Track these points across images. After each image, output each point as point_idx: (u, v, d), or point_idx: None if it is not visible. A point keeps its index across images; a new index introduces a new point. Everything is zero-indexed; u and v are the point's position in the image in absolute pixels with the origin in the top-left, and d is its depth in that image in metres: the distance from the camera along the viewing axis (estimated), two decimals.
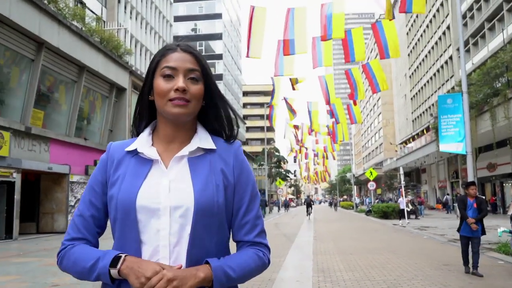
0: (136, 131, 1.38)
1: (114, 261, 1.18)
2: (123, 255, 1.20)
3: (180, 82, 1.24)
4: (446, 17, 43.58)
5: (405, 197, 25.20)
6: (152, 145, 1.31)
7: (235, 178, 1.32)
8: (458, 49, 36.97)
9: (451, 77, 42.19)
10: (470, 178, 13.28)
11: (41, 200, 18.64)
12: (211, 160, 1.31)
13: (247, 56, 14.17)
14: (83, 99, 21.05)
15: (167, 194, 1.22)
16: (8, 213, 15.43)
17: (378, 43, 14.82)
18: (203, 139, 1.33)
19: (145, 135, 1.33)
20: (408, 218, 24.20)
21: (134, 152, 1.31)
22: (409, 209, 25.13)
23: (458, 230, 7.99)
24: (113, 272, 1.18)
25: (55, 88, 19.31)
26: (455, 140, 14.17)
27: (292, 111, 27.49)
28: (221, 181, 1.28)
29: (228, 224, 1.33)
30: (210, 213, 1.23)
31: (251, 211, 1.34)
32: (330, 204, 69.67)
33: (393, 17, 12.51)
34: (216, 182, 1.27)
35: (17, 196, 15.71)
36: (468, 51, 38.22)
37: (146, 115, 1.37)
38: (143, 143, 1.31)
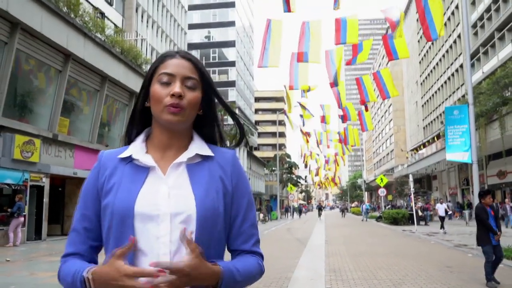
0: (128, 139, 1.35)
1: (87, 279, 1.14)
2: (87, 273, 1.14)
3: (176, 87, 1.23)
4: (457, 26, 44.11)
5: (442, 203, 24.40)
6: (147, 152, 1.29)
7: (233, 185, 1.30)
8: None
9: (461, 85, 42.63)
10: (476, 185, 13.92)
11: (65, 204, 19.63)
12: (210, 167, 1.29)
13: (259, 66, 14.97)
14: (105, 107, 22.07)
15: (166, 201, 1.20)
16: (37, 215, 16.44)
17: (387, 49, 15.50)
18: (200, 146, 1.31)
19: (139, 142, 1.30)
20: (418, 224, 24.76)
21: (128, 160, 1.27)
22: (448, 214, 24.95)
23: (484, 243, 7.58)
24: None
25: (79, 97, 20.35)
26: (461, 150, 14.82)
27: (307, 110, 28.45)
28: (220, 188, 1.27)
29: (225, 233, 1.30)
30: (212, 220, 1.22)
31: (248, 219, 1.32)
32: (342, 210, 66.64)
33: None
34: (216, 189, 1.25)
35: (45, 200, 16.74)
36: (478, 60, 38.74)
37: (139, 122, 1.34)
38: (137, 150, 1.28)
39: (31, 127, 16.44)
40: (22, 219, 14.66)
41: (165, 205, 1.19)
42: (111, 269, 1.09)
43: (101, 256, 1.27)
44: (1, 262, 10.86)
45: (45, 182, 16.74)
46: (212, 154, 1.31)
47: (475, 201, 13.67)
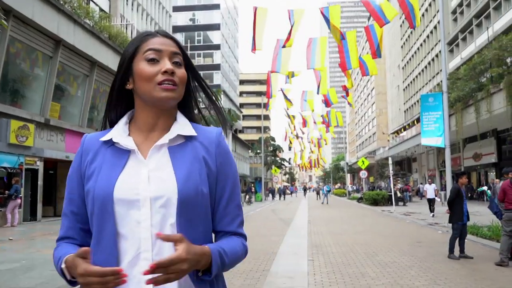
0: (108, 122, 1.33)
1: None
2: (64, 263, 1.16)
3: (167, 64, 1.21)
4: (437, 12, 45.06)
5: (431, 184, 21.08)
6: (129, 134, 1.26)
7: (217, 166, 1.27)
8: (448, 44, 38.57)
9: (440, 71, 43.75)
10: (448, 168, 15.05)
11: (58, 186, 20.27)
12: (193, 148, 1.25)
13: (253, 51, 15.72)
14: (94, 92, 22.53)
15: (146, 185, 1.17)
16: (31, 197, 17.10)
17: (370, 43, 16.24)
18: (183, 126, 1.27)
19: (121, 124, 1.27)
20: (396, 205, 25.96)
21: (110, 143, 1.25)
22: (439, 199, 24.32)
23: (455, 220, 8.34)
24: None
25: (70, 82, 20.80)
26: (435, 135, 15.87)
27: (288, 100, 29.29)
28: (203, 169, 1.23)
29: (211, 214, 1.28)
30: (195, 203, 1.19)
31: (234, 200, 1.30)
32: (317, 192, 51.42)
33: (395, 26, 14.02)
34: (199, 170, 1.22)
35: (40, 182, 17.38)
36: (457, 45, 39.88)
37: (118, 104, 1.31)
38: (119, 132, 1.25)
39: (24, 112, 16.92)
40: (19, 200, 15.29)
41: (145, 189, 1.17)
42: (74, 264, 1.12)
43: None
44: (5, 241, 11.56)
45: (39, 166, 17.34)
46: (195, 134, 1.27)
47: (448, 183, 14.83)
